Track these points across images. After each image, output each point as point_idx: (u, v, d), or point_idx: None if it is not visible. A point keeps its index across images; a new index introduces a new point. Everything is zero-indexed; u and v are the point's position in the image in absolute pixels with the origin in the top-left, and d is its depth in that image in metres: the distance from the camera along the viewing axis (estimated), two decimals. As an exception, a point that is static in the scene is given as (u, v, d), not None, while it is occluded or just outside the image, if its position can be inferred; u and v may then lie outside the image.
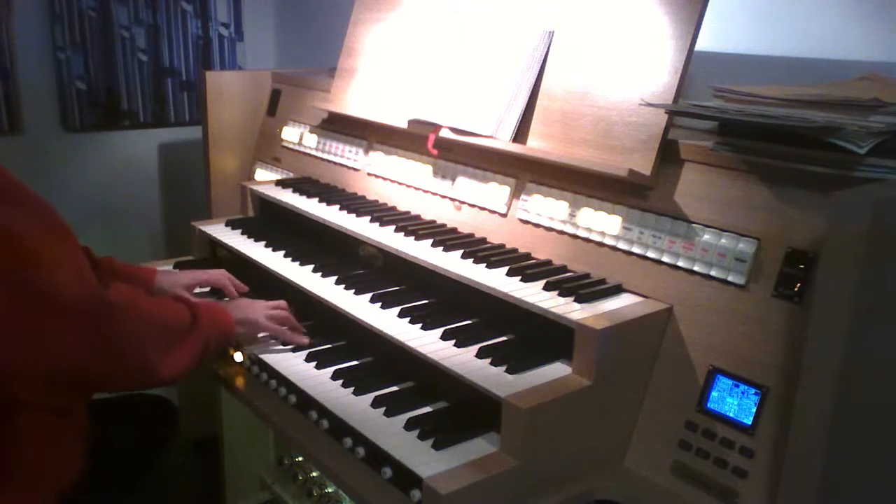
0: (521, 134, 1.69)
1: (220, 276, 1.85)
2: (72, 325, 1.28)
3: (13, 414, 1.36)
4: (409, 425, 1.35)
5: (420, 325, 1.50)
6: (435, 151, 1.84)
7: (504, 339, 1.48)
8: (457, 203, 1.84)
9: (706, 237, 1.37)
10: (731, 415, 1.28)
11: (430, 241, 1.69)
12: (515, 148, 1.66)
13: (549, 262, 1.60)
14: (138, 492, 1.74)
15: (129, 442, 1.67)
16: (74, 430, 1.50)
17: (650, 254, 1.44)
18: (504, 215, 1.73)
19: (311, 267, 1.79)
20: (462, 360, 1.38)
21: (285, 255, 1.88)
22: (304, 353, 1.62)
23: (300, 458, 2.24)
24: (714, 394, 1.31)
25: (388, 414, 1.39)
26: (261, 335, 1.68)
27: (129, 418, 1.75)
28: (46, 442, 1.42)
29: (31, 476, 1.39)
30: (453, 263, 1.58)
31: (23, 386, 1.32)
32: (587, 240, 1.55)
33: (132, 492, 1.68)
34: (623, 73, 1.53)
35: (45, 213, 1.29)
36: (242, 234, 2.08)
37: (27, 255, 1.22)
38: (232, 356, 1.69)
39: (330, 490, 2.13)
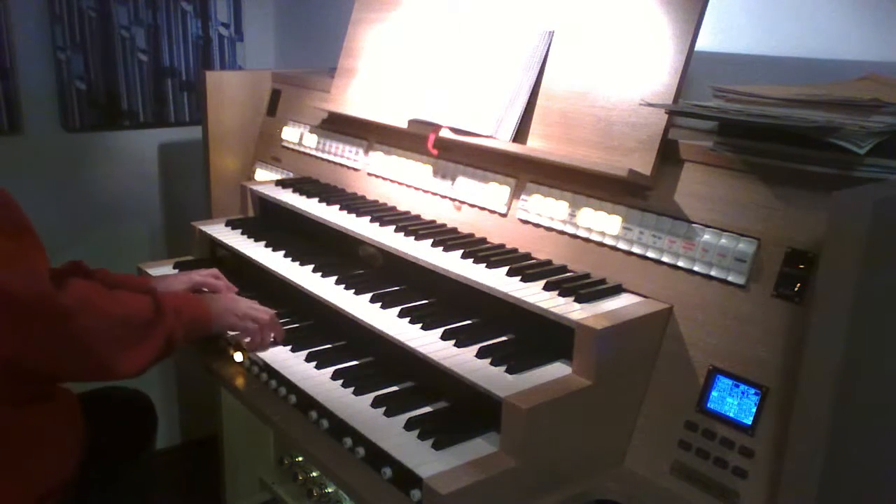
0: (521, 134, 1.69)
1: (213, 279, 1.84)
2: (21, 322, 1.29)
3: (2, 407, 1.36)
4: (409, 425, 1.35)
5: (420, 325, 1.50)
6: (435, 151, 1.84)
7: (504, 339, 1.48)
8: (457, 203, 1.84)
9: (706, 237, 1.37)
10: (731, 415, 1.28)
11: (430, 241, 1.69)
12: (515, 148, 1.66)
13: (549, 262, 1.60)
14: (136, 492, 1.74)
15: (106, 439, 1.65)
16: (70, 428, 1.50)
17: (650, 254, 1.44)
18: (504, 215, 1.73)
19: (311, 267, 1.79)
20: (462, 360, 1.38)
21: (285, 255, 1.88)
22: (304, 353, 1.62)
23: (300, 458, 2.24)
24: (714, 394, 1.31)
25: (388, 414, 1.39)
26: (233, 333, 1.69)
27: (105, 415, 1.73)
28: (37, 438, 1.42)
29: (22, 470, 1.39)
30: (453, 263, 1.58)
31: None
32: (587, 240, 1.55)
33: (118, 490, 1.67)
34: (623, 73, 1.53)
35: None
36: (242, 234, 2.08)
37: None
38: (232, 356, 1.69)
39: (330, 490, 2.13)
